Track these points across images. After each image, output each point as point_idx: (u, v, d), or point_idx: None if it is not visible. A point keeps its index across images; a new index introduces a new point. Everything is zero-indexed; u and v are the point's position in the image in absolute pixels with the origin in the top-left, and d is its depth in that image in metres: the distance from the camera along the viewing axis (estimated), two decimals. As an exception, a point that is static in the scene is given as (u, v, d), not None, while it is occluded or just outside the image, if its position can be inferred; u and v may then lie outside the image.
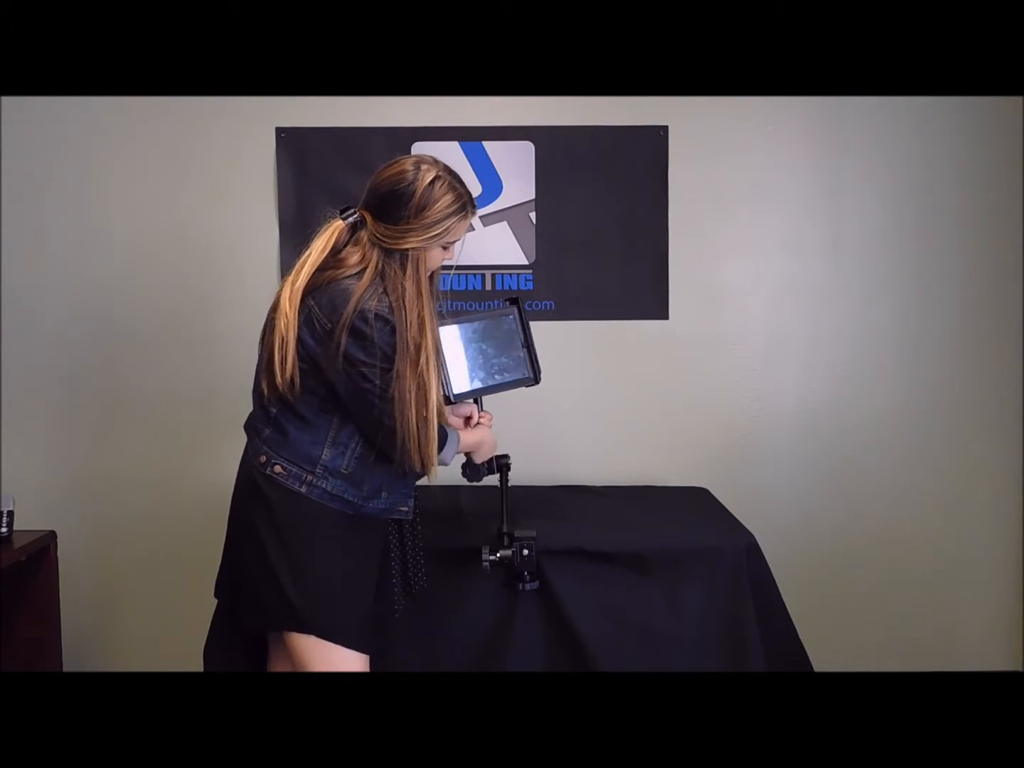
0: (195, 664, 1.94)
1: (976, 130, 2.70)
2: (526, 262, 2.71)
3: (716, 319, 2.74)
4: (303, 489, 1.68)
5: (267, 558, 1.69)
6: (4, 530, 2.39)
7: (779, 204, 2.72)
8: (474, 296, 2.70)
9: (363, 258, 1.69)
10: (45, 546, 2.47)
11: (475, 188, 2.68)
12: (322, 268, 1.69)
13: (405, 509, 1.80)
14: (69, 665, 2.60)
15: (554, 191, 2.70)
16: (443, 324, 1.89)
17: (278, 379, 1.66)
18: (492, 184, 2.70)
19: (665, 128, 2.69)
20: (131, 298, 2.70)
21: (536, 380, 2.05)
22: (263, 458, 1.71)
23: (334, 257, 1.70)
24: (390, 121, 2.65)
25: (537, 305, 2.70)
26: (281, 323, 1.65)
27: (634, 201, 2.70)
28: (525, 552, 1.89)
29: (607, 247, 2.71)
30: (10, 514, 2.41)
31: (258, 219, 2.68)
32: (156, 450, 2.72)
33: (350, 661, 1.71)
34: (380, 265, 1.68)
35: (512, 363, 2.03)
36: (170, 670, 2.50)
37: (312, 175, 2.66)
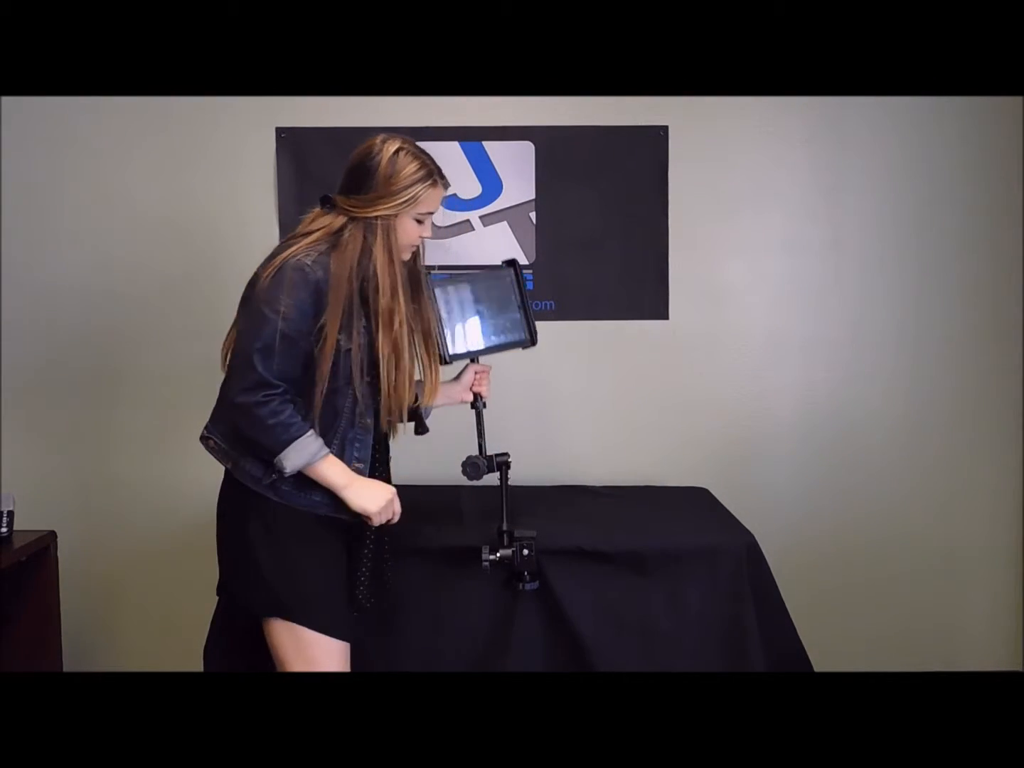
0: (195, 664, 1.94)
1: (976, 130, 2.70)
2: (526, 262, 2.71)
3: (716, 319, 2.74)
4: (228, 465, 1.76)
5: (236, 541, 1.75)
6: (4, 530, 2.39)
7: (779, 204, 2.72)
8: (474, 296, 2.70)
9: (331, 228, 1.72)
10: (45, 546, 2.47)
11: (475, 188, 2.69)
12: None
13: (351, 514, 1.76)
14: (69, 665, 2.60)
15: (554, 191, 2.70)
16: (439, 285, 1.92)
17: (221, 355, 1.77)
18: (492, 184, 2.70)
19: (665, 128, 2.69)
20: (131, 300, 2.70)
21: (533, 342, 2.06)
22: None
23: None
24: (390, 121, 2.65)
25: (537, 305, 2.69)
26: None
27: (634, 201, 2.70)
28: (525, 552, 1.89)
29: (607, 247, 2.71)
30: (10, 514, 2.41)
31: (258, 219, 2.68)
32: (156, 450, 2.72)
33: (325, 647, 1.72)
34: (340, 229, 1.71)
35: (508, 324, 2.04)
36: (170, 670, 2.50)
37: (312, 175, 2.66)
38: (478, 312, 2.00)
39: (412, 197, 1.71)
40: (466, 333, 1.98)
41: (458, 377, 2.03)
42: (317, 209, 1.78)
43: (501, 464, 1.97)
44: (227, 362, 1.75)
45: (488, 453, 1.96)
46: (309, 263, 1.65)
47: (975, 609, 2.79)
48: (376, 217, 1.70)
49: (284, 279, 1.64)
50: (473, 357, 2.01)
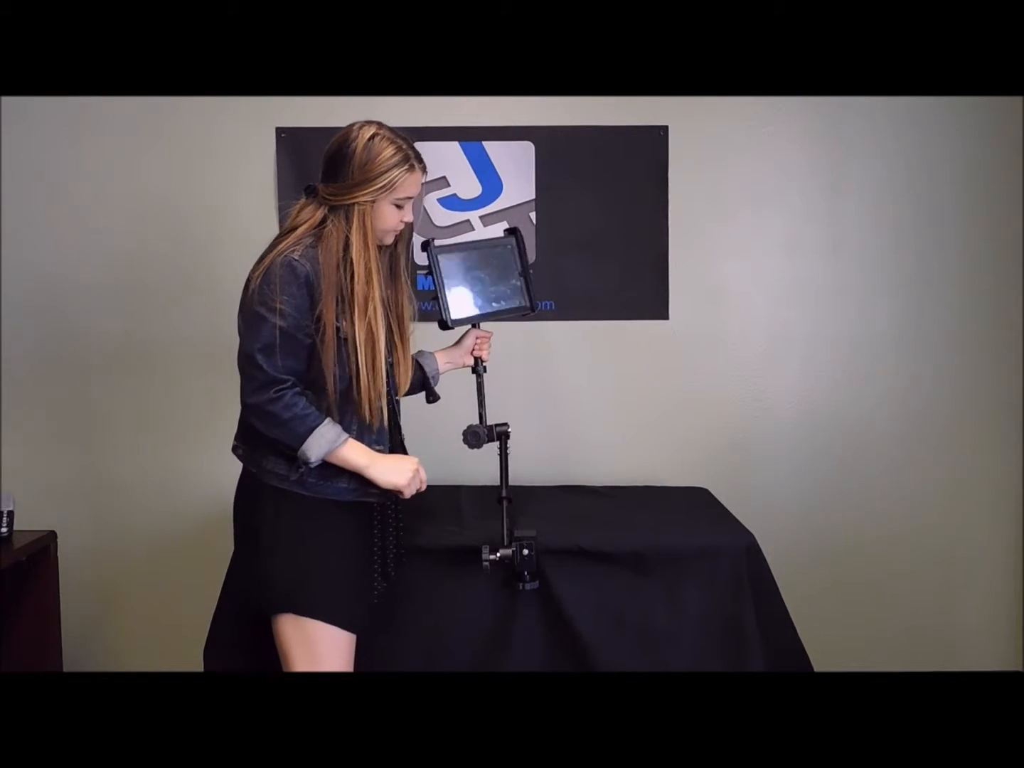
0: (195, 664, 1.95)
1: (976, 130, 2.70)
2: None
3: (716, 319, 2.74)
4: (254, 469, 1.75)
5: (247, 539, 1.76)
6: (4, 530, 2.39)
7: (779, 204, 2.72)
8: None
9: (313, 218, 1.74)
10: (45, 546, 2.47)
11: (475, 188, 2.69)
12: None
13: (372, 495, 1.79)
14: (69, 665, 2.60)
15: (554, 191, 2.70)
16: (442, 252, 1.94)
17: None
18: (492, 184, 2.70)
19: (665, 128, 2.69)
20: (132, 301, 2.70)
21: (532, 309, 2.10)
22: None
23: (293, 224, 1.76)
24: (390, 121, 2.62)
25: (537, 305, 2.69)
26: None
27: (634, 201, 2.70)
28: (525, 552, 1.89)
29: (607, 247, 2.71)
30: (10, 514, 2.41)
31: (258, 219, 2.67)
32: (156, 450, 2.72)
33: (332, 641, 1.72)
34: (322, 221, 1.73)
35: (509, 291, 2.08)
36: (170, 670, 2.50)
37: (312, 175, 2.62)
38: (479, 279, 2.03)
39: (389, 183, 1.71)
40: (468, 299, 2.01)
41: (459, 342, 2.07)
42: (303, 200, 1.78)
43: (501, 434, 1.99)
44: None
45: (488, 423, 1.98)
46: (297, 257, 1.66)
47: (975, 609, 2.79)
48: (353, 204, 1.71)
49: (274, 276, 1.65)
50: (474, 323, 2.04)
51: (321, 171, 1.76)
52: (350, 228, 1.71)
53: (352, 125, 1.74)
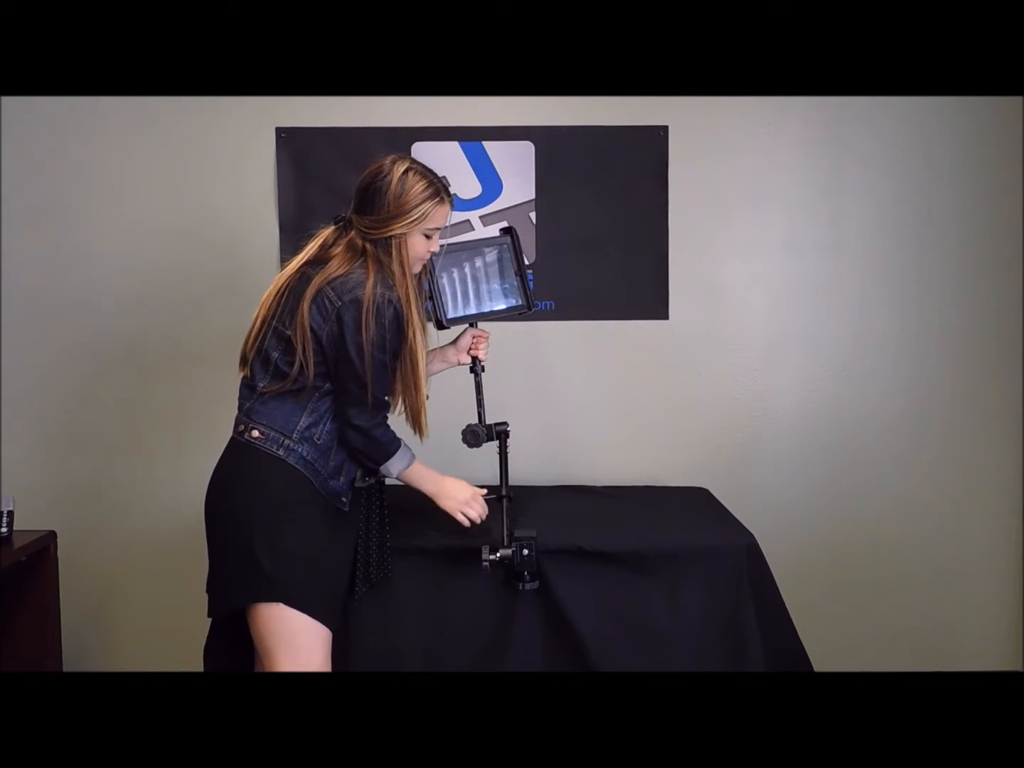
0: (195, 664, 1.95)
1: (976, 130, 2.70)
2: (526, 262, 2.70)
3: (716, 319, 2.74)
4: (280, 452, 1.76)
5: (240, 527, 1.74)
6: (4, 530, 2.39)
7: (779, 204, 2.72)
8: (474, 296, 2.70)
9: (355, 249, 1.80)
10: (45, 546, 2.47)
11: (475, 188, 2.69)
12: (314, 262, 1.81)
13: (344, 500, 1.84)
14: (69, 665, 2.60)
15: (554, 191, 2.70)
16: (437, 252, 1.95)
17: (247, 347, 1.82)
18: (492, 184, 2.70)
19: (665, 128, 2.69)
20: (131, 300, 2.70)
21: (529, 308, 2.12)
22: (241, 427, 1.80)
23: (325, 252, 1.82)
24: (390, 121, 2.65)
25: (537, 305, 2.69)
26: (262, 305, 1.82)
27: (634, 201, 2.70)
28: (525, 552, 1.89)
29: (607, 247, 2.71)
30: (10, 514, 2.41)
31: (258, 219, 2.68)
32: (156, 450, 2.73)
33: (313, 635, 1.74)
34: (375, 255, 1.79)
35: (505, 290, 2.10)
36: (170, 670, 2.50)
37: (312, 175, 2.66)
38: (476, 278, 2.06)
39: (422, 214, 1.79)
40: (464, 298, 2.03)
41: (455, 341, 2.08)
42: (331, 227, 1.84)
43: (500, 433, 2.01)
44: (309, 378, 1.78)
45: (487, 422, 2.00)
46: (395, 299, 1.75)
47: (975, 609, 2.79)
48: (391, 237, 1.78)
49: (384, 317, 1.73)
50: (471, 322, 2.06)
51: (354, 203, 1.82)
52: (390, 259, 1.79)
53: (384, 159, 1.82)
